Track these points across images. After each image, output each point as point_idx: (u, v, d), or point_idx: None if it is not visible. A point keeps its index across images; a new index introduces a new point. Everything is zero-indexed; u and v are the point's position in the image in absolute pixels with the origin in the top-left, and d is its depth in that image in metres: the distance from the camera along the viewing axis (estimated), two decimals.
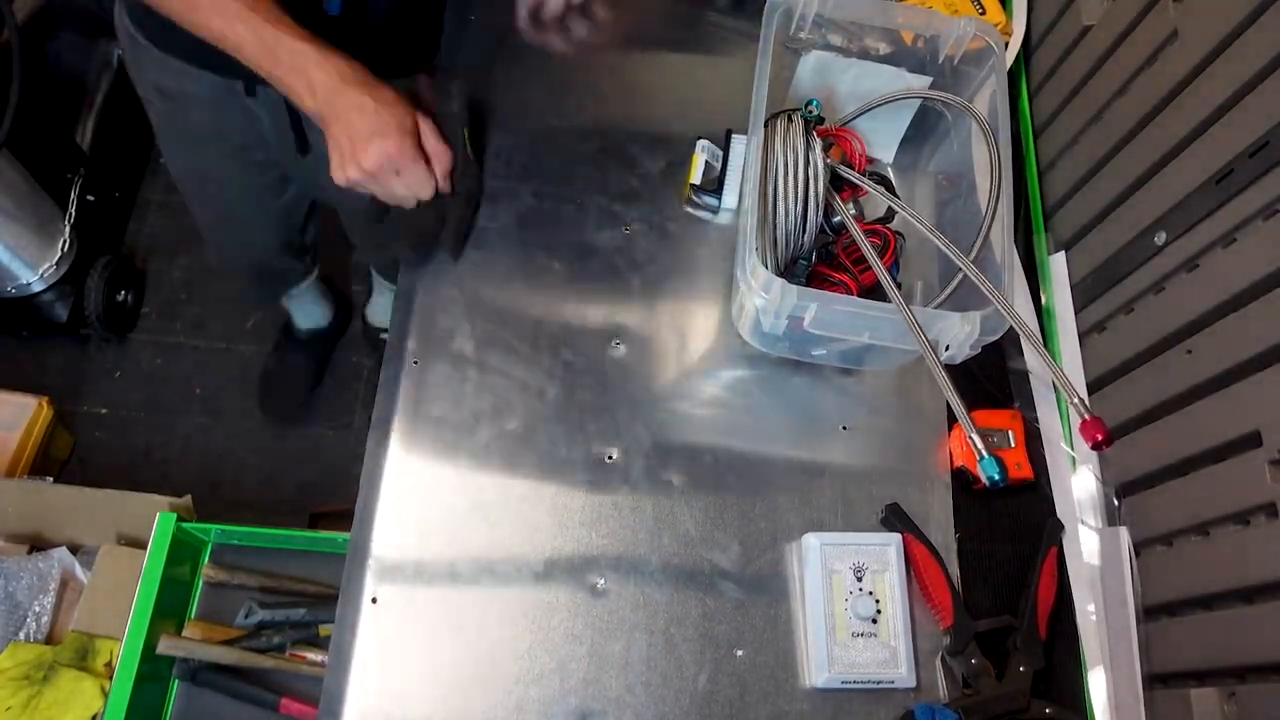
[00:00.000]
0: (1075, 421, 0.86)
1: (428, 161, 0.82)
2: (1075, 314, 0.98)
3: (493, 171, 0.95)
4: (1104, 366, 0.92)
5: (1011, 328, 0.75)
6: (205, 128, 1.06)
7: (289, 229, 1.34)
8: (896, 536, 0.83)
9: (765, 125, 0.85)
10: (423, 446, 0.82)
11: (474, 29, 1.03)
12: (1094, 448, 0.70)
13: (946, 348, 0.77)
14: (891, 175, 1.01)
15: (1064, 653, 0.84)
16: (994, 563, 0.86)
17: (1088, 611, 0.85)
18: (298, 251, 1.44)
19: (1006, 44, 1.04)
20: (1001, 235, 0.81)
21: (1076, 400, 0.71)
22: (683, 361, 0.90)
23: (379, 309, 1.80)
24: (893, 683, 0.78)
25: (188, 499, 1.28)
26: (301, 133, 1.01)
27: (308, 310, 1.72)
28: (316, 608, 1.23)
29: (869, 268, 0.83)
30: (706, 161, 0.96)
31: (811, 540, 0.82)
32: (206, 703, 1.20)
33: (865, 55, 0.93)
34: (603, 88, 1.02)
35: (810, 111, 0.85)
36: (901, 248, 0.94)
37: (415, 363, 0.85)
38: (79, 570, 1.29)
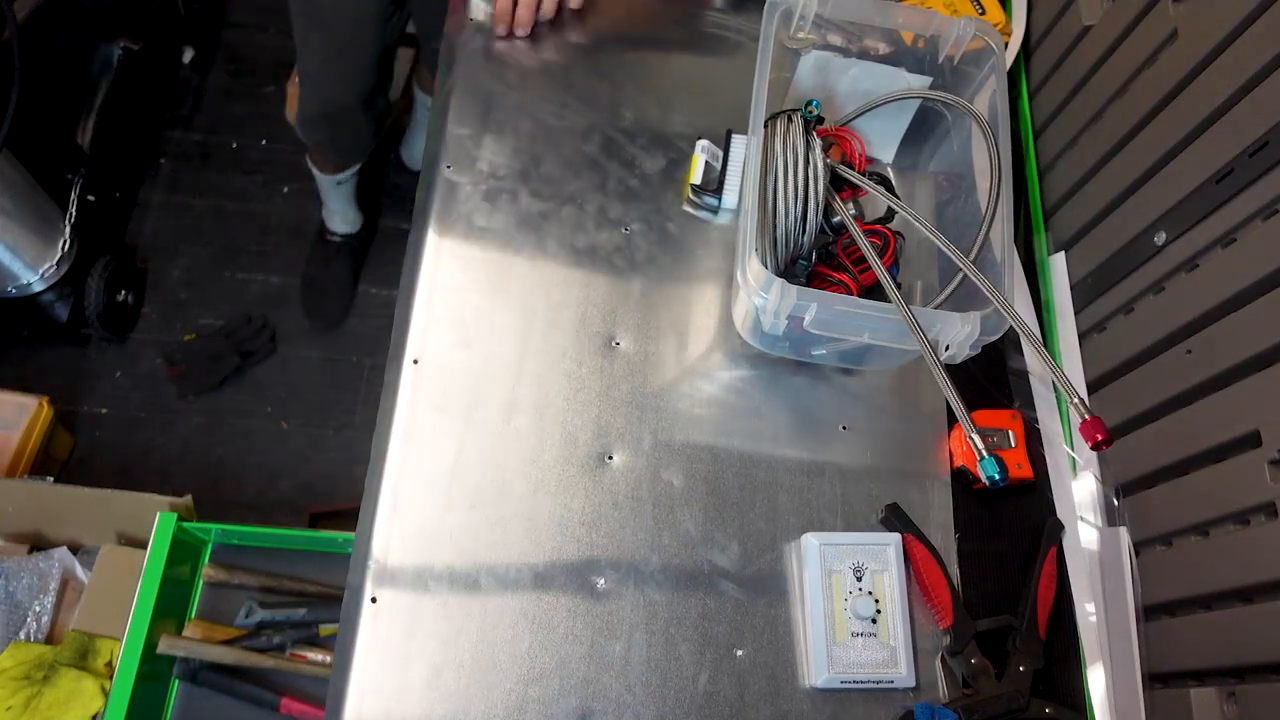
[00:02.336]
0: (1075, 421, 0.86)
1: None
2: (1075, 314, 0.98)
3: (493, 171, 0.95)
4: (1104, 366, 0.92)
5: (1011, 328, 0.75)
6: None
7: (381, 69, 1.47)
8: (896, 536, 0.83)
9: (765, 125, 0.85)
10: (423, 446, 0.82)
11: None
12: (1094, 448, 0.70)
13: (946, 348, 0.77)
14: (891, 175, 1.01)
15: (1064, 652, 0.84)
16: (994, 563, 0.86)
17: (1087, 611, 0.85)
18: (374, 114, 1.55)
19: (1006, 44, 1.04)
20: (1001, 235, 0.81)
21: (1076, 400, 0.70)
22: (683, 361, 0.90)
23: (415, 150, 1.98)
24: (892, 682, 0.78)
25: (188, 499, 1.29)
26: None
27: (344, 213, 1.85)
28: (316, 608, 1.23)
29: (869, 268, 0.83)
30: (706, 161, 0.96)
31: (811, 540, 0.82)
32: (206, 703, 1.20)
33: (865, 55, 0.93)
34: (602, 88, 1.01)
35: (810, 111, 0.85)
36: (901, 248, 0.94)
37: (415, 362, 0.85)
38: (79, 570, 1.29)
